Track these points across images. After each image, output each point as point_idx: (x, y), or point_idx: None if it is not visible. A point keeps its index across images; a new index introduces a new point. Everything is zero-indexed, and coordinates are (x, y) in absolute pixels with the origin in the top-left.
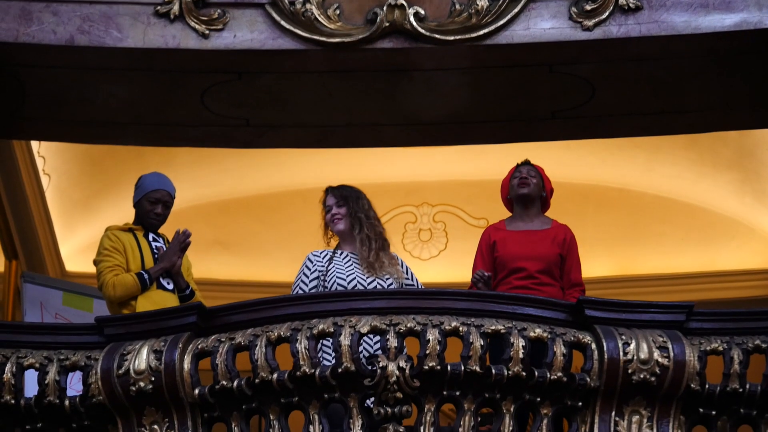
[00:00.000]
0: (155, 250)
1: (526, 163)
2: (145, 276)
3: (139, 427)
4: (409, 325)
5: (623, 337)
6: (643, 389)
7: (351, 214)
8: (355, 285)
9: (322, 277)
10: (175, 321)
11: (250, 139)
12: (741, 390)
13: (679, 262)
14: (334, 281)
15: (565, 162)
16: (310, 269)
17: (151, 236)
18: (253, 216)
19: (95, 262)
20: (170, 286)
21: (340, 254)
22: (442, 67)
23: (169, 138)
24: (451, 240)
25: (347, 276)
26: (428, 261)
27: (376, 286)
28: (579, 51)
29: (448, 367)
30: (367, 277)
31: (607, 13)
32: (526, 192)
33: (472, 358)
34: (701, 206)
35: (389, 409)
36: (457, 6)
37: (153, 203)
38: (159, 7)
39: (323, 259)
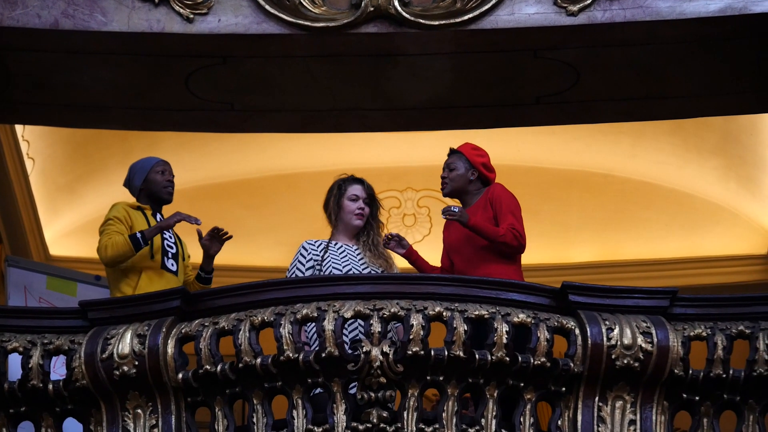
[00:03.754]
0: (159, 222)
1: (449, 152)
2: (138, 235)
3: (122, 411)
4: (392, 310)
5: (607, 322)
6: (627, 375)
7: (370, 217)
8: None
9: (317, 267)
10: (158, 305)
11: (235, 123)
12: (725, 376)
13: (663, 247)
14: (330, 271)
15: (550, 147)
16: (305, 257)
17: (159, 217)
18: (237, 200)
19: (100, 232)
20: (174, 268)
21: (335, 245)
22: (426, 52)
23: (153, 122)
24: (435, 225)
25: (343, 267)
26: (412, 246)
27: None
28: (563, 36)
29: (432, 352)
30: (363, 268)
31: None
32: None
33: (455, 343)
34: (685, 192)
35: (373, 394)
36: None
37: (162, 173)
38: None
39: (318, 248)
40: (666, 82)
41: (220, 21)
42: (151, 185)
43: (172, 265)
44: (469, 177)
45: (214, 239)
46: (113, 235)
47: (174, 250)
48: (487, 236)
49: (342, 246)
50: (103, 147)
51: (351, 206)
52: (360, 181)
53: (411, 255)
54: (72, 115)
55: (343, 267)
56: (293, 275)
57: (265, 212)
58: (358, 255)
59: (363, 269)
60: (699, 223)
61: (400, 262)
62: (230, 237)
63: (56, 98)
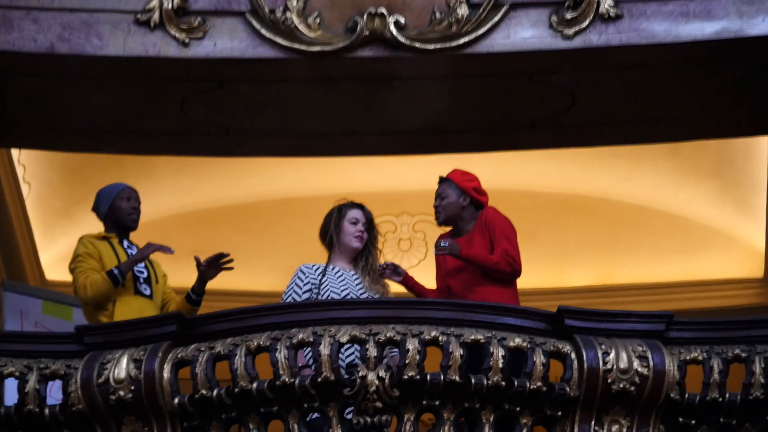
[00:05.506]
0: (131, 257)
1: (439, 181)
2: (115, 272)
3: None
4: (388, 335)
5: (603, 346)
6: (623, 399)
7: (368, 242)
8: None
9: (314, 290)
10: (155, 330)
11: (231, 147)
12: (721, 399)
13: (659, 271)
14: (329, 295)
15: (545, 171)
16: (302, 280)
17: (125, 243)
18: (233, 225)
19: (71, 270)
20: (147, 292)
21: (333, 269)
22: (422, 75)
23: (149, 146)
24: (431, 249)
25: (341, 291)
26: (408, 270)
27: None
28: (559, 60)
29: (428, 377)
30: (360, 293)
31: (587, 22)
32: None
33: (451, 367)
34: (681, 215)
35: (369, 419)
36: (438, 15)
37: (127, 199)
38: (139, 15)
39: (315, 272)
40: (662, 105)
41: (216, 45)
42: (116, 212)
43: (146, 289)
44: (461, 203)
45: (212, 266)
46: (89, 273)
47: (145, 275)
48: (481, 265)
49: (340, 270)
50: (100, 171)
51: (351, 228)
52: (360, 207)
53: (408, 282)
54: (68, 140)
55: (341, 291)
56: (290, 299)
57: (260, 237)
58: (356, 280)
59: (360, 294)
60: (695, 246)
61: (396, 288)
62: (231, 268)
63: (52, 122)
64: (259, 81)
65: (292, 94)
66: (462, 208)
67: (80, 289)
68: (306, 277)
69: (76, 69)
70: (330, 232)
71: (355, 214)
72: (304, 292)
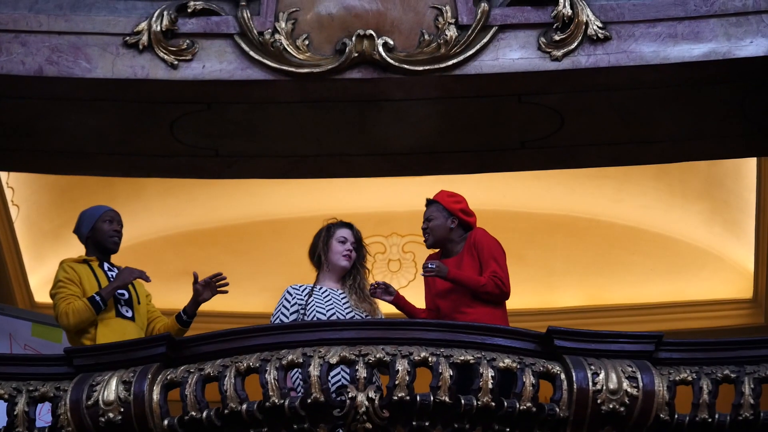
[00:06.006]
0: (111, 279)
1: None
2: (97, 298)
3: None
4: (378, 356)
5: (592, 367)
6: (613, 419)
7: (356, 262)
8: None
9: (301, 311)
10: (144, 352)
11: (220, 169)
12: (710, 420)
13: (649, 292)
14: (314, 316)
15: (534, 192)
16: (290, 302)
17: (106, 266)
18: (222, 246)
19: (51, 296)
20: (129, 314)
21: (320, 289)
22: (411, 97)
23: (138, 168)
24: (420, 270)
25: (327, 311)
26: (398, 291)
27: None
28: (548, 81)
29: (418, 398)
30: (347, 312)
31: (575, 44)
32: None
33: (441, 388)
34: (670, 236)
35: None
36: (426, 36)
37: (110, 222)
38: (128, 38)
39: (302, 293)
40: (650, 126)
41: (205, 67)
42: (97, 234)
43: (127, 311)
44: (449, 226)
45: (208, 287)
46: (71, 300)
47: (126, 296)
48: (469, 287)
49: (326, 290)
50: (88, 193)
51: (339, 247)
52: (349, 226)
53: (399, 301)
54: (56, 162)
55: (327, 311)
56: (277, 320)
57: (249, 258)
58: (343, 299)
59: (347, 313)
60: (684, 267)
61: (386, 308)
62: (226, 291)
63: (40, 145)
64: (247, 103)
65: (281, 115)
66: (450, 230)
67: (62, 316)
68: (293, 298)
69: (64, 92)
70: (318, 251)
71: (343, 233)
72: (291, 313)
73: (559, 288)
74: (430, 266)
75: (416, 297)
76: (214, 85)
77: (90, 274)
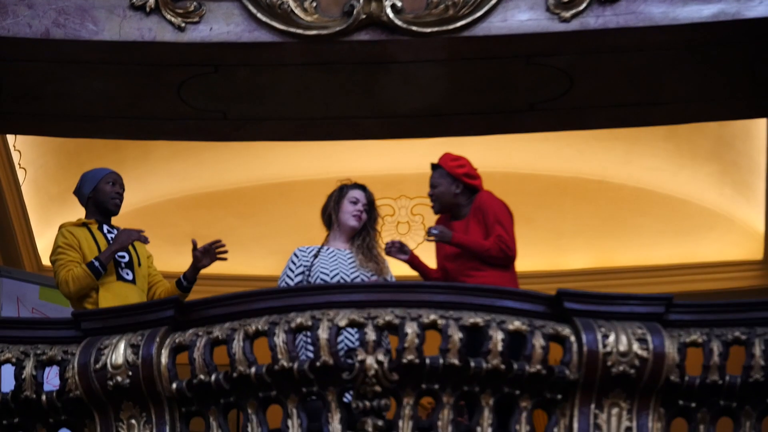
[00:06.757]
0: (111, 242)
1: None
2: (96, 264)
3: (116, 422)
4: (387, 318)
5: (602, 329)
6: (623, 381)
7: (367, 223)
8: (339, 280)
9: (307, 273)
10: (152, 315)
11: (227, 132)
12: (721, 382)
13: (658, 253)
14: (318, 276)
15: (543, 154)
16: (296, 264)
17: (105, 228)
18: (229, 209)
19: (52, 262)
20: (129, 277)
21: (327, 250)
22: (419, 59)
23: (145, 131)
24: None
25: (331, 271)
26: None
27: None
28: (556, 43)
29: (427, 361)
30: (352, 272)
31: (584, 5)
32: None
33: (450, 351)
34: (680, 198)
35: (368, 403)
36: None
37: (112, 184)
38: (135, 0)
39: (309, 254)
40: (659, 87)
41: (212, 29)
42: (99, 195)
43: (127, 274)
44: (454, 191)
45: (207, 253)
46: (70, 266)
47: (126, 259)
48: (473, 251)
49: (333, 251)
50: (96, 156)
51: (349, 207)
52: (362, 188)
53: (413, 261)
54: (63, 125)
55: (331, 271)
56: (283, 283)
57: (258, 221)
58: (349, 259)
59: (352, 272)
60: (694, 229)
61: (396, 270)
62: (225, 258)
63: (47, 108)
64: (255, 65)
65: (289, 78)
66: (455, 195)
67: (62, 284)
68: (299, 260)
69: (71, 54)
70: (329, 210)
71: (355, 194)
72: (296, 275)
73: (569, 250)
74: (433, 231)
75: (425, 259)
76: (222, 48)
77: (89, 237)
